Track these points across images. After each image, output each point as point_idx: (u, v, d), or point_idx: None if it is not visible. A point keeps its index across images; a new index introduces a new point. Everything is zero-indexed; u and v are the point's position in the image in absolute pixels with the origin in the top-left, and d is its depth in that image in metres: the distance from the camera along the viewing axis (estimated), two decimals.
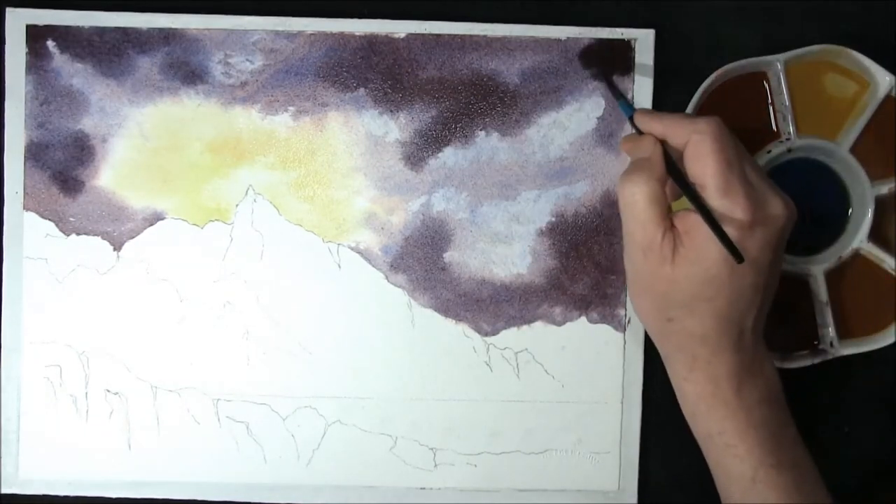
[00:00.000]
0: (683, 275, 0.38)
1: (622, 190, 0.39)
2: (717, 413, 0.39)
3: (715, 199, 0.38)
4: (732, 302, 0.38)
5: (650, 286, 0.40)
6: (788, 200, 0.39)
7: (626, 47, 0.47)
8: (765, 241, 0.38)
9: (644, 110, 0.42)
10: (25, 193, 0.47)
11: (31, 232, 0.47)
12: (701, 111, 0.46)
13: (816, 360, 0.46)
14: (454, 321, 0.47)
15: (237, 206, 0.47)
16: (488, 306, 0.47)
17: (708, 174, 0.37)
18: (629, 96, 0.47)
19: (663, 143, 0.40)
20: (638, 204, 0.39)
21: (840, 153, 0.46)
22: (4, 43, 0.47)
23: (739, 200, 0.37)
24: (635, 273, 0.41)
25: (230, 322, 0.47)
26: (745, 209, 0.37)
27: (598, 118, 0.47)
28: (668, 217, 0.39)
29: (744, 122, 0.46)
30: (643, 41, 0.47)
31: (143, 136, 0.47)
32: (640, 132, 0.42)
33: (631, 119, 0.43)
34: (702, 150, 0.38)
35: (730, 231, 0.37)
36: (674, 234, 0.39)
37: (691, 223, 0.38)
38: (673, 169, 0.39)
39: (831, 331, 0.46)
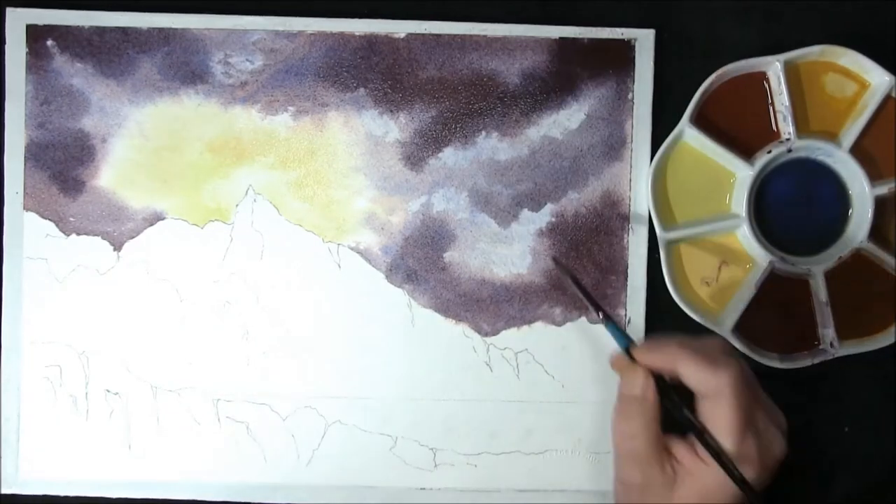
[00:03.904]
0: None
1: (620, 432, 0.39)
2: None
3: (728, 446, 0.37)
4: None
5: None
6: (782, 419, 0.39)
7: (626, 47, 0.47)
8: (766, 478, 0.38)
9: (646, 346, 0.40)
10: (25, 193, 0.47)
11: (31, 232, 0.47)
12: (701, 111, 0.46)
13: (816, 360, 0.46)
14: (454, 321, 0.47)
15: (237, 206, 0.47)
16: (488, 306, 0.47)
17: (726, 430, 0.37)
18: (629, 97, 0.47)
19: (658, 376, 0.39)
20: (639, 449, 0.38)
21: (840, 153, 0.46)
22: (4, 43, 0.47)
23: (752, 454, 0.37)
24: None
25: (230, 322, 0.47)
26: (756, 466, 0.37)
27: (598, 118, 0.47)
28: (665, 450, 0.39)
29: (744, 122, 0.46)
30: (643, 41, 0.47)
31: (143, 136, 0.47)
32: (632, 357, 0.41)
33: (627, 350, 0.41)
34: (722, 410, 0.37)
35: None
36: (672, 466, 0.38)
37: (695, 467, 0.38)
38: (681, 415, 0.38)
39: (831, 331, 0.46)
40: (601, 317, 0.43)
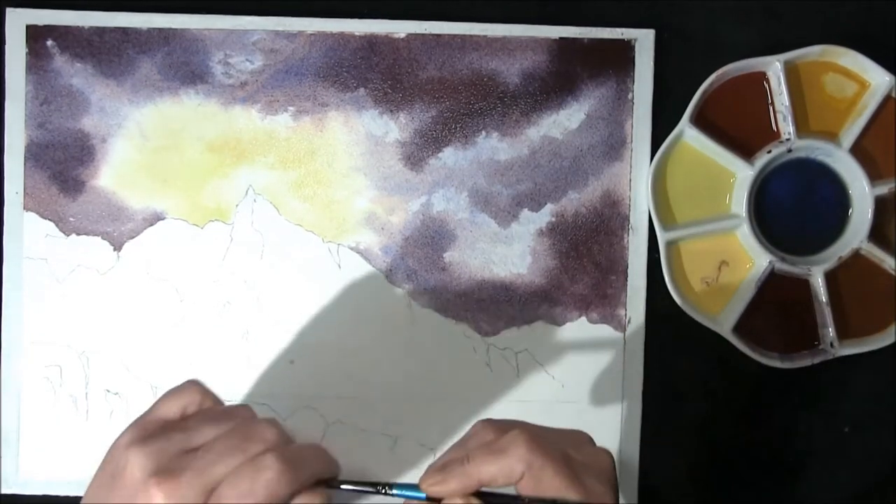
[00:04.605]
0: None
1: None
2: None
3: (572, 496, 0.34)
4: None
5: None
6: (591, 441, 0.37)
7: (626, 47, 0.47)
8: (615, 491, 0.35)
9: (430, 474, 0.35)
10: (25, 193, 0.47)
11: (31, 232, 0.47)
12: (701, 111, 0.46)
13: (816, 360, 0.46)
14: (454, 321, 0.47)
15: (237, 206, 0.47)
16: (488, 306, 0.47)
17: (559, 485, 0.33)
18: (629, 97, 0.47)
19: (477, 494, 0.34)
20: None
21: (840, 153, 0.46)
22: (4, 43, 0.47)
23: (593, 485, 0.34)
24: None
25: (230, 322, 0.47)
26: (606, 492, 0.34)
27: (598, 118, 0.47)
28: None
29: (744, 122, 0.46)
30: (643, 41, 0.47)
31: (143, 136, 0.47)
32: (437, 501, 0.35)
33: (427, 498, 0.35)
34: (537, 471, 0.33)
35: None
36: None
37: None
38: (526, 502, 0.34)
39: (831, 331, 0.46)
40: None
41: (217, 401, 0.36)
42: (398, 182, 0.47)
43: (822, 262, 0.46)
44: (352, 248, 0.47)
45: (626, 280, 0.47)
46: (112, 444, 0.34)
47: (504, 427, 0.36)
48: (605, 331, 0.47)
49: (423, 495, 0.35)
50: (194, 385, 0.35)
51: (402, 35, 0.47)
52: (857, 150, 0.46)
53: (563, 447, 0.35)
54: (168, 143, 0.47)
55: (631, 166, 0.47)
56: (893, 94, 0.46)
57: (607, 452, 0.37)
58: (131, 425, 0.35)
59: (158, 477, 0.31)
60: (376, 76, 0.47)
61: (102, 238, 0.47)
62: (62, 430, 0.47)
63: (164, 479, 0.31)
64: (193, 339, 0.47)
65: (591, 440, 0.37)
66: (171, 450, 0.32)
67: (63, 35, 0.47)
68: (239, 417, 0.34)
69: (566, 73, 0.47)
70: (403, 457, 0.47)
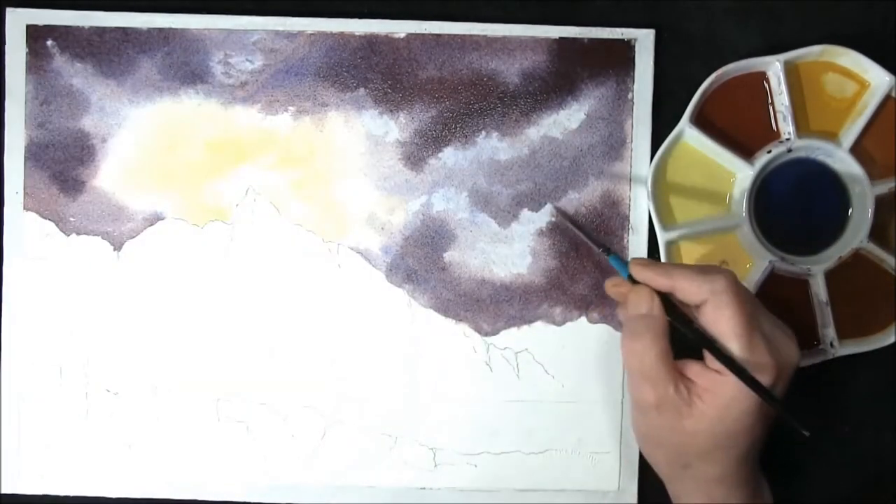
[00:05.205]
0: (704, 429, 0.38)
1: (629, 351, 0.39)
2: None
3: (736, 351, 0.37)
4: (751, 446, 0.39)
5: (666, 439, 0.40)
6: (792, 334, 0.39)
7: (626, 47, 0.47)
8: (784, 388, 0.38)
9: (641, 262, 0.40)
10: (25, 193, 0.47)
11: (31, 232, 0.47)
12: (701, 111, 0.46)
13: (816, 360, 0.46)
14: (454, 321, 0.47)
15: (237, 206, 0.47)
16: (488, 306, 0.47)
17: (732, 334, 0.37)
18: (629, 97, 0.47)
19: (663, 295, 0.39)
20: (649, 365, 0.38)
21: (840, 153, 0.46)
22: (4, 43, 0.47)
23: (764, 358, 0.37)
24: (648, 428, 0.40)
25: (230, 322, 0.47)
26: (769, 365, 0.37)
27: (597, 118, 0.47)
28: (675, 368, 0.39)
29: (744, 122, 0.46)
30: (643, 41, 0.47)
31: (143, 136, 0.47)
32: (633, 280, 0.41)
33: (630, 277, 0.41)
34: (723, 312, 0.37)
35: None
36: (686, 386, 0.38)
37: (710, 380, 0.38)
38: (690, 328, 0.38)
39: (831, 331, 0.46)
40: (601, 251, 0.43)
41: None
42: (398, 182, 0.47)
43: (822, 262, 0.46)
44: (352, 248, 0.47)
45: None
46: None
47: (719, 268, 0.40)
48: (605, 331, 0.47)
49: (623, 264, 0.41)
50: None
51: (402, 35, 0.47)
52: (857, 150, 0.46)
53: (758, 313, 0.38)
54: (168, 143, 0.47)
55: (631, 166, 0.47)
56: (893, 94, 0.46)
57: (796, 353, 0.39)
58: None
59: None
60: (376, 76, 0.47)
61: (102, 238, 0.47)
62: (62, 430, 0.47)
63: None
64: (193, 339, 0.47)
65: (794, 342, 0.39)
66: None
67: (63, 35, 0.47)
68: None
69: (566, 73, 0.47)
70: (403, 457, 0.47)
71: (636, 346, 0.39)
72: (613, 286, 0.42)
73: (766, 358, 0.37)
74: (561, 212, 0.46)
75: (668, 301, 0.39)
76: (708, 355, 0.38)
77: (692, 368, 0.39)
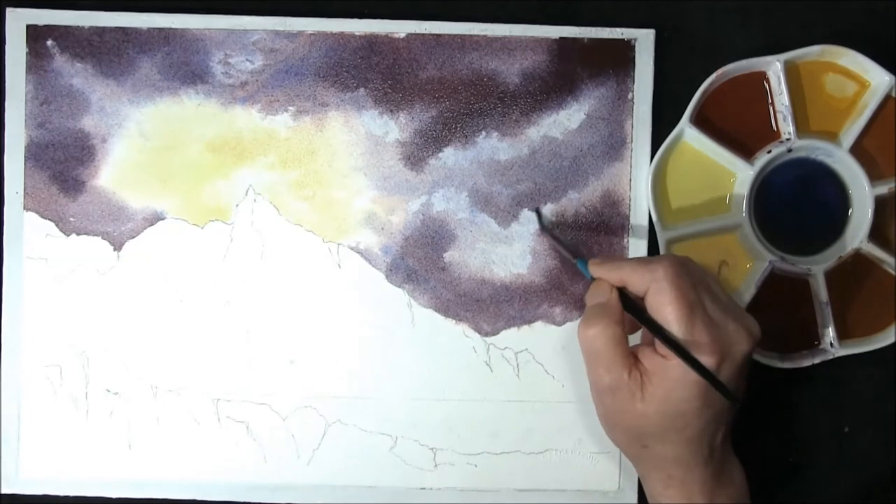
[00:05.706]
0: (654, 411, 0.39)
1: (583, 336, 0.41)
2: None
3: (676, 332, 0.39)
4: (703, 428, 0.40)
5: (622, 421, 0.41)
6: (751, 322, 0.40)
7: (626, 47, 0.47)
8: (731, 372, 0.39)
9: (597, 261, 0.42)
10: (25, 193, 0.47)
11: (31, 232, 0.47)
12: (701, 111, 0.46)
13: (816, 360, 0.46)
14: (454, 321, 0.47)
15: (237, 206, 0.47)
16: (488, 306, 0.47)
17: (671, 318, 0.38)
18: (629, 97, 0.47)
19: (621, 289, 0.41)
20: (601, 349, 0.40)
21: (840, 153, 0.46)
22: (4, 43, 0.47)
23: (705, 340, 0.38)
24: (605, 410, 0.42)
25: (230, 322, 0.47)
26: (711, 352, 0.38)
27: (597, 118, 0.47)
28: (630, 355, 0.40)
29: (744, 122, 0.46)
30: (643, 41, 0.47)
31: (143, 136, 0.47)
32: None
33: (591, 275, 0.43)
34: (662, 298, 0.39)
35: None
36: (639, 370, 0.40)
37: (658, 364, 0.39)
38: (642, 317, 0.40)
39: (831, 331, 0.46)
40: (573, 258, 0.44)
41: None
42: (398, 182, 0.47)
43: (822, 262, 0.46)
44: (352, 248, 0.47)
45: None
46: None
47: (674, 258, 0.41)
48: None
49: (584, 264, 0.42)
50: None
51: (402, 35, 0.47)
52: (857, 150, 0.46)
53: (706, 298, 0.39)
54: (168, 143, 0.47)
55: (631, 166, 0.47)
56: (893, 94, 0.46)
57: (751, 337, 0.40)
58: None
59: None
60: (376, 76, 0.47)
61: (102, 238, 0.47)
62: (62, 429, 0.47)
63: None
64: (193, 339, 0.47)
65: (755, 333, 0.40)
66: None
67: (63, 35, 0.47)
68: None
69: (566, 73, 0.47)
70: (403, 457, 0.47)
71: (589, 331, 0.40)
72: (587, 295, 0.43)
73: (708, 341, 0.38)
74: (539, 216, 0.47)
75: (624, 294, 0.41)
76: (657, 342, 0.39)
77: (645, 354, 0.40)
